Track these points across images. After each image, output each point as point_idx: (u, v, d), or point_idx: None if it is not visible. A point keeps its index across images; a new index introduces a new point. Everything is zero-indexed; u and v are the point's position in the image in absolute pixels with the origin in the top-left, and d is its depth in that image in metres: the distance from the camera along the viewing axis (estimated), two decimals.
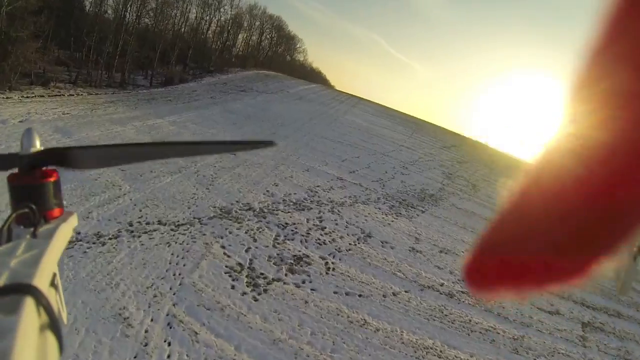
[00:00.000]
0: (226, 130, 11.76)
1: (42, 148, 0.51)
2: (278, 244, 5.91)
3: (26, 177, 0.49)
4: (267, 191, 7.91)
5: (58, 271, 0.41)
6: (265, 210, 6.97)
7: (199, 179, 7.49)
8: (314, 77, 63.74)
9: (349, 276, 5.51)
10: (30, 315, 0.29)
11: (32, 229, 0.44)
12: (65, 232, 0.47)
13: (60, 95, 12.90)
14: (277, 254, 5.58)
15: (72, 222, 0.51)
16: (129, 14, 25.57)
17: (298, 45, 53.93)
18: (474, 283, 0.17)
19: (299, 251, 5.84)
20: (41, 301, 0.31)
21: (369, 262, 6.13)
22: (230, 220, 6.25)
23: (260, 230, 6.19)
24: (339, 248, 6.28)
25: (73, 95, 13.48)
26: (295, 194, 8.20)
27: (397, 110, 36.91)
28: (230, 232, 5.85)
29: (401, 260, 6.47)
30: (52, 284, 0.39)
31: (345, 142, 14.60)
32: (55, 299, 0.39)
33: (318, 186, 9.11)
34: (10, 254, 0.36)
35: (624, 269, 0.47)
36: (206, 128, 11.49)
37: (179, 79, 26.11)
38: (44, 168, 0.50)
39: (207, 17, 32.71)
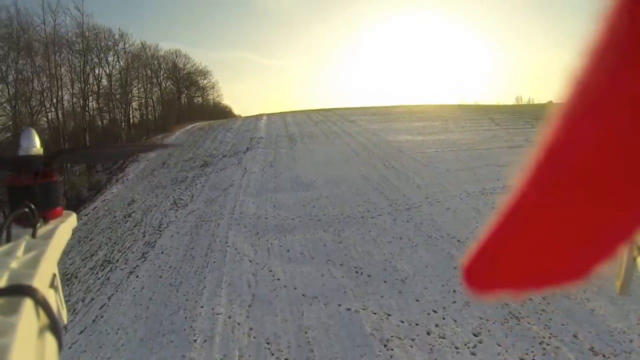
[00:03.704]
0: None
1: (41, 149, 0.52)
2: None
3: (25, 177, 0.49)
4: None
5: (58, 272, 0.41)
6: None
7: None
8: (228, 113, 54.65)
9: None
10: (29, 316, 0.29)
11: (31, 230, 0.44)
12: (64, 232, 0.47)
13: None
14: None
15: (72, 222, 0.51)
16: None
17: (206, 81, 44.77)
18: (474, 282, 0.17)
19: None
20: (40, 302, 0.31)
21: None
22: None
23: None
24: None
25: None
26: None
27: (367, 107, 29.60)
28: None
29: None
30: (52, 284, 0.39)
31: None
32: (54, 300, 0.38)
33: None
34: (10, 254, 0.36)
35: (625, 268, 0.46)
36: None
37: (88, 190, 16.43)
38: (43, 168, 0.50)
39: (91, 82, 22.71)
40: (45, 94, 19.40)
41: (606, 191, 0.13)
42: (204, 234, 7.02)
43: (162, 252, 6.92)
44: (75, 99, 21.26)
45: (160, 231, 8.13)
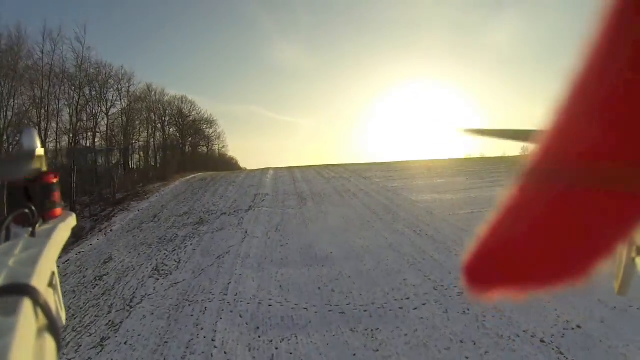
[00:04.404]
0: None
1: (41, 149, 0.53)
2: None
3: (25, 177, 0.49)
4: None
5: (57, 271, 0.41)
6: None
7: None
8: (233, 165, 53.74)
9: None
10: (28, 315, 0.29)
11: (30, 229, 0.44)
12: (63, 231, 0.47)
13: None
14: None
15: (71, 222, 0.51)
16: None
17: (212, 131, 44.16)
18: (473, 281, 0.17)
19: None
20: (39, 301, 0.31)
21: None
22: None
23: None
24: None
25: None
26: None
27: (376, 163, 28.37)
28: None
29: None
30: (51, 283, 0.38)
31: None
32: (53, 299, 0.39)
33: None
34: (8, 253, 0.36)
35: (624, 268, 0.46)
36: None
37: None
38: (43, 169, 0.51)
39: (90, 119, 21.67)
40: (40, 126, 18.33)
41: (604, 189, 0.13)
42: (185, 322, 5.25)
43: (125, 342, 5.13)
44: (67, 135, 20.07)
45: (131, 307, 6.35)
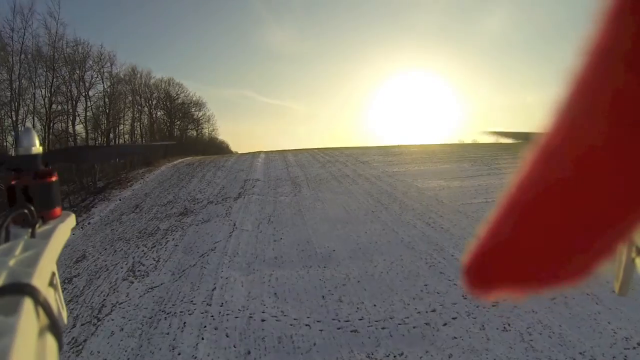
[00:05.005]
0: None
1: (40, 148, 0.52)
2: None
3: (24, 177, 0.48)
4: None
5: (57, 271, 0.41)
6: None
7: None
8: (224, 149, 52.22)
9: None
10: (29, 315, 0.29)
11: (30, 229, 0.43)
12: (63, 232, 0.46)
13: None
14: None
15: (70, 222, 0.50)
16: None
17: (201, 114, 42.50)
18: (474, 281, 0.17)
19: None
20: (40, 301, 0.31)
21: None
22: None
23: None
24: None
25: None
26: None
27: (375, 147, 27.27)
28: None
29: None
30: (51, 283, 0.38)
31: None
32: (54, 299, 0.38)
33: None
34: (8, 254, 0.36)
35: (624, 269, 0.45)
36: None
37: None
38: (42, 168, 0.50)
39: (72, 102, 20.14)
40: (12, 108, 16.90)
41: (604, 191, 0.13)
42: (159, 343, 4.27)
43: None
44: (42, 119, 18.54)
45: (98, 319, 5.33)
